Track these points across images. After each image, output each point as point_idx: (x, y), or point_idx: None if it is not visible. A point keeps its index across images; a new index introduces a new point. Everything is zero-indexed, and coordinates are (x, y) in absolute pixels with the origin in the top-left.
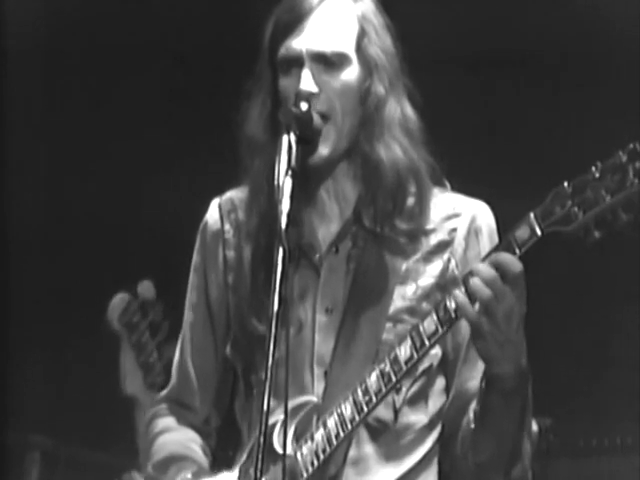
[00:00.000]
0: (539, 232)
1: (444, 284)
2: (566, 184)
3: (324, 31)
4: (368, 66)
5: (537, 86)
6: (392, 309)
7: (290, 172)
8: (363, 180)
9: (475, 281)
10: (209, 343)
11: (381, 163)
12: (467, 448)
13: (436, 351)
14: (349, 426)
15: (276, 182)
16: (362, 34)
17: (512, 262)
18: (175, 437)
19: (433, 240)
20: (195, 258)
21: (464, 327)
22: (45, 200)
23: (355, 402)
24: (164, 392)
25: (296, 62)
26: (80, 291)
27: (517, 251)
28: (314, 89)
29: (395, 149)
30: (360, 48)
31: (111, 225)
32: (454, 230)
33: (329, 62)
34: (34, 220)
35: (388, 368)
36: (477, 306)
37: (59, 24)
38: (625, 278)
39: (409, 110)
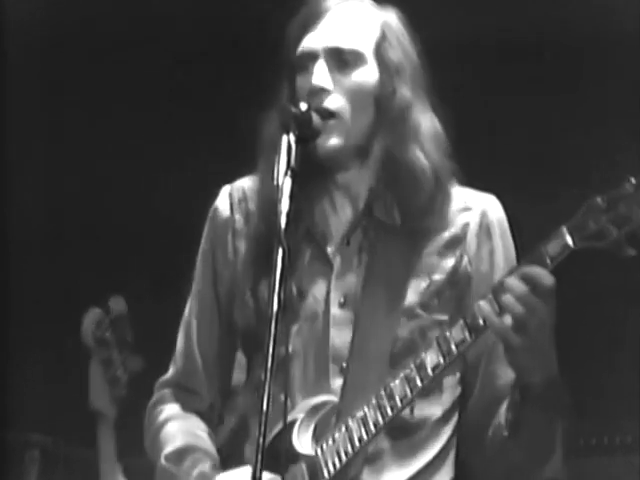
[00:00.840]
0: (572, 246)
1: (456, 280)
2: (599, 198)
3: (341, 28)
4: (388, 70)
5: (538, 83)
6: (406, 303)
7: (290, 172)
8: (383, 180)
9: (508, 297)
10: (215, 330)
11: (406, 166)
12: (497, 451)
13: None
14: (373, 430)
15: (275, 182)
16: (383, 38)
17: (545, 276)
18: (184, 426)
19: (446, 234)
20: (203, 245)
21: None
22: (45, 200)
23: (379, 406)
24: (166, 377)
25: (311, 58)
26: (80, 291)
27: (549, 264)
28: (327, 85)
29: (419, 156)
30: (379, 51)
31: (111, 225)
32: (466, 225)
33: (343, 59)
34: (34, 219)
35: (414, 374)
36: (508, 319)
37: (59, 24)
38: (628, 281)
39: (434, 119)
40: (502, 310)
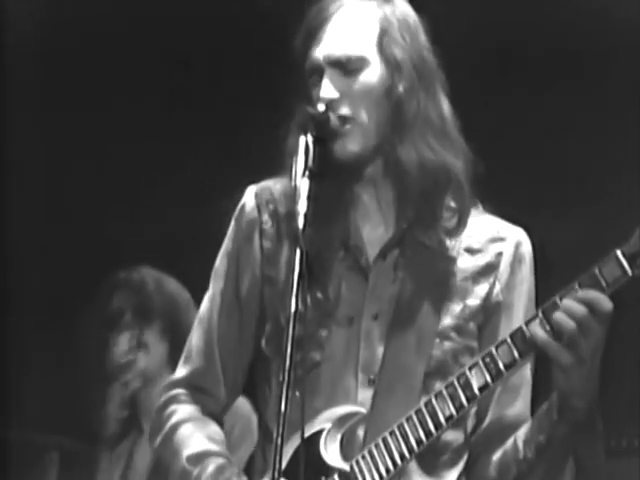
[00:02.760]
0: (630, 273)
1: (487, 306)
2: None
3: (340, 37)
4: (390, 66)
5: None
6: (440, 325)
7: (308, 172)
8: (393, 182)
9: (560, 315)
10: (235, 332)
11: (405, 164)
12: (509, 473)
13: None
14: (416, 448)
15: (293, 183)
16: (383, 34)
17: (604, 300)
18: (204, 430)
19: (481, 261)
20: (227, 244)
21: None
22: (46, 201)
23: (422, 424)
24: (181, 375)
25: (318, 70)
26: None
27: (607, 290)
28: (334, 95)
29: (422, 150)
30: (382, 48)
31: (112, 228)
32: (500, 254)
33: (346, 67)
34: (35, 219)
35: (460, 393)
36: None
37: (60, 25)
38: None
39: (444, 109)
40: (553, 330)
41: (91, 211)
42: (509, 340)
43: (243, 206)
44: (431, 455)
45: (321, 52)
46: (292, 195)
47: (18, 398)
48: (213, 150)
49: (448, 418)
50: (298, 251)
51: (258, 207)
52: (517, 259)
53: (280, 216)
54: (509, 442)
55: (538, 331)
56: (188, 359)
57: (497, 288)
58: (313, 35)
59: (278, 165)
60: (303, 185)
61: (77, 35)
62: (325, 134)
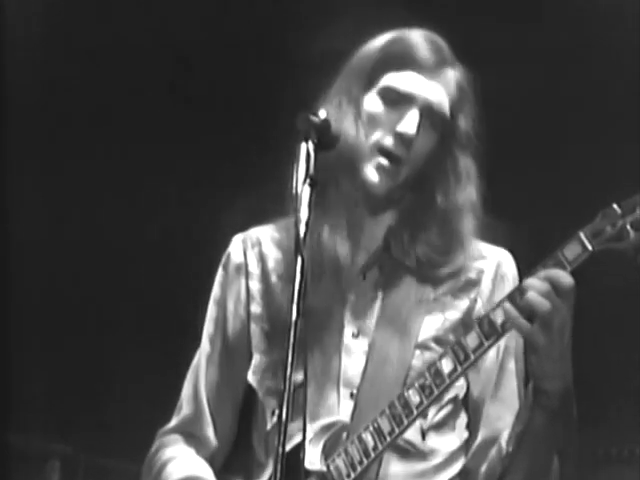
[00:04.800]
0: (590, 248)
1: (469, 321)
2: (615, 205)
3: (437, 86)
4: (454, 132)
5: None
6: (420, 338)
7: (308, 180)
8: (405, 221)
9: (532, 294)
10: (223, 376)
11: (449, 212)
12: (496, 474)
13: (462, 383)
14: (387, 438)
15: (293, 190)
16: (457, 103)
17: (564, 277)
18: (192, 462)
19: (462, 277)
20: (215, 290)
21: (487, 366)
22: (46, 203)
23: (393, 415)
24: (172, 424)
25: (405, 100)
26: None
27: (568, 267)
28: (412, 133)
29: (447, 195)
30: (452, 113)
31: (113, 232)
32: (481, 272)
33: (432, 118)
34: (36, 219)
35: (429, 381)
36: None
37: (60, 25)
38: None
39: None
40: (521, 311)
41: (92, 217)
42: (477, 327)
43: (230, 253)
44: (419, 459)
45: (416, 86)
46: (278, 238)
47: (19, 405)
48: (213, 150)
49: (418, 405)
50: (299, 259)
51: (244, 252)
52: (499, 276)
53: (265, 256)
54: (493, 449)
55: (512, 312)
56: (179, 409)
57: (479, 304)
58: (407, 63)
59: (279, 201)
60: (304, 193)
61: (78, 37)
62: (326, 140)
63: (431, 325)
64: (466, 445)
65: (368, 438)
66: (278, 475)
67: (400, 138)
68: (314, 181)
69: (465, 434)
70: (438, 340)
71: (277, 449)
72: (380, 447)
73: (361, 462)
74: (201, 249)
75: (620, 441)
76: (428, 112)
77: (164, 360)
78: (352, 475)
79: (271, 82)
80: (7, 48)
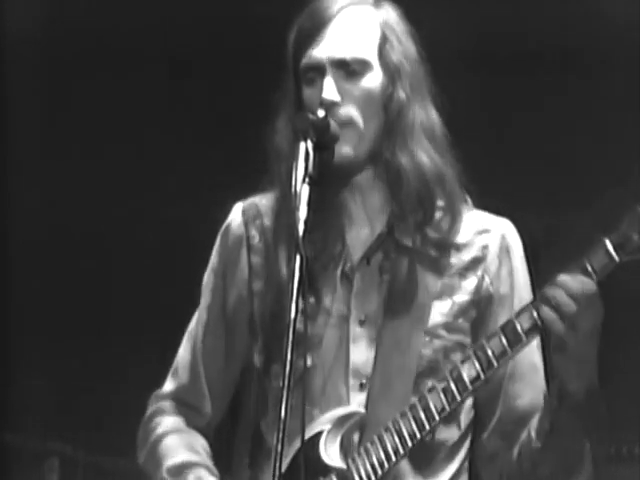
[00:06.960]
0: (617, 259)
1: (479, 300)
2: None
3: (345, 38)
4: (390, 72)
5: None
6: (429, 324)
7: (307, 179)
8: (389, 188)
9: (561, 294)
10: (221, 346)
11: (404, 170)
12: (527, 463)
13: None
14: (409, 442)
15: (293, 189)
16: (384, 40)
17: (588, 283)
18: (186, 440)
19: (466, 256)
20: (214, 260)
21: None
22: (46, 205)
23: (415, 419)
24: (168, 389)
25: (318, 70)
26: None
27: (594, 277)
28: (336, 98)
29: (419, 155)
30: (382, 54)
31: (115, 234)
32: (486, 247)
33: (350, 69)
34: (34, 220)
35: (452, 386)
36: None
37: (60, 26)
38: None
39: (434, 116)
40: (556, 311)
41: (92, 218)
42: (500, 332)
43: (230, 223)
44: (426, 455)
45: (323, 52)
46: (279, 209)
47: (18, 403)
48: (213, 151)
49: (441, 411)
50: (298, 257)
51: (245, 223)
52: (504, 250)
53: (268, 230)
54: (524, 434)
55: (547, 312)
56: (175, 373)
57: (486, 281)
58: (312, 35)
59: (264, 167)
60: (303, 191)
61: (78, 37)
62: (325, 140)
63: (440, 310)
64: (474, 423)
65: (389, 439)
66: (277, 474)
67: (328, 108)
68: (313, 180)
69: (471, 413)
70: (447, 326)
71: (276, 448)
72: (402, 451)
73: (382, 464)
74: (201, 249)
75: (619, 440)
76: (343, 66)
77: (164, 359)
78: (372, 477)
79: (271, 82)
80: (7, 48)
